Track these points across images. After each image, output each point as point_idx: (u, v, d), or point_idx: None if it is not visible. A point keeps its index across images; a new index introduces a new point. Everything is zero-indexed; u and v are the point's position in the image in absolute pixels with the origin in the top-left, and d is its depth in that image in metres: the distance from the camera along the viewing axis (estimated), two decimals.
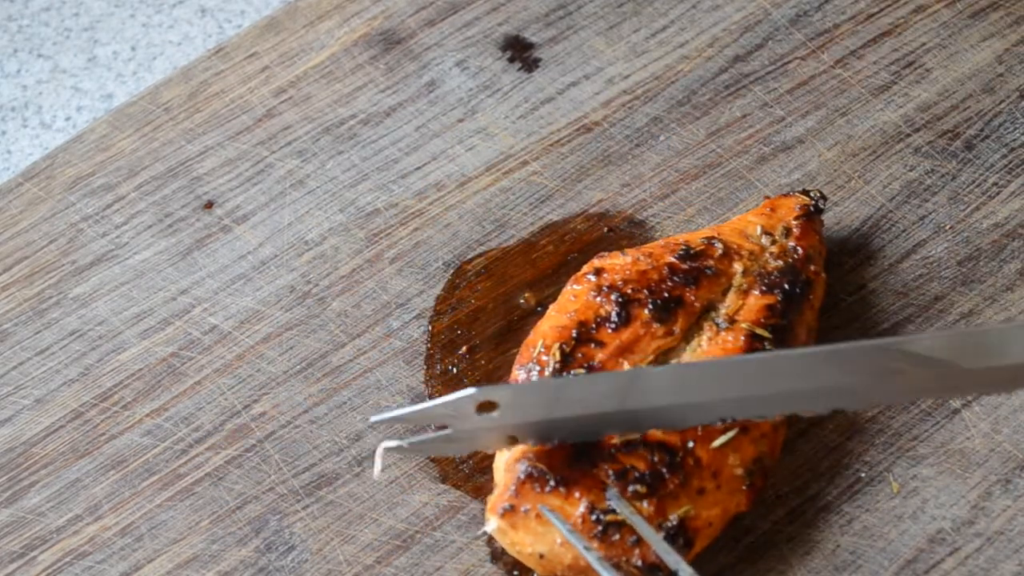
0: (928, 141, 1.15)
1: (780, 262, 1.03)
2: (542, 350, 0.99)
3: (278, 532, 1.00)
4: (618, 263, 1.02)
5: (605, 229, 1.12)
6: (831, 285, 1.08)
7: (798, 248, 1.03)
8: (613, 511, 0.92)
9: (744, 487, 0.95)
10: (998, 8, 1.21)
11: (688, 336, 0.99)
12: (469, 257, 1.12)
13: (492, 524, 0.93)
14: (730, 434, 0.95)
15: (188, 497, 1.02)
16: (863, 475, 1.00)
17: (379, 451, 0.92)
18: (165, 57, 1.36)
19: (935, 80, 1.18)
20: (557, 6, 1.24)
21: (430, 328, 1.08)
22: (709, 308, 1.01)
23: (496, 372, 1.05)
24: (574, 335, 0.98)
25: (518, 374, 0.99)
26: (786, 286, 1.01)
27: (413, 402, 1.05)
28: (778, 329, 0.99)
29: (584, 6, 1.24)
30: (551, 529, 0.92)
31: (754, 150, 1.15)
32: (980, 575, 0.96)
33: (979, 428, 1.01)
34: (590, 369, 0.97)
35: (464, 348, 1.07)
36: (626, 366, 0.97)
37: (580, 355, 0.98)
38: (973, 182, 1.13)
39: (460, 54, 1.22)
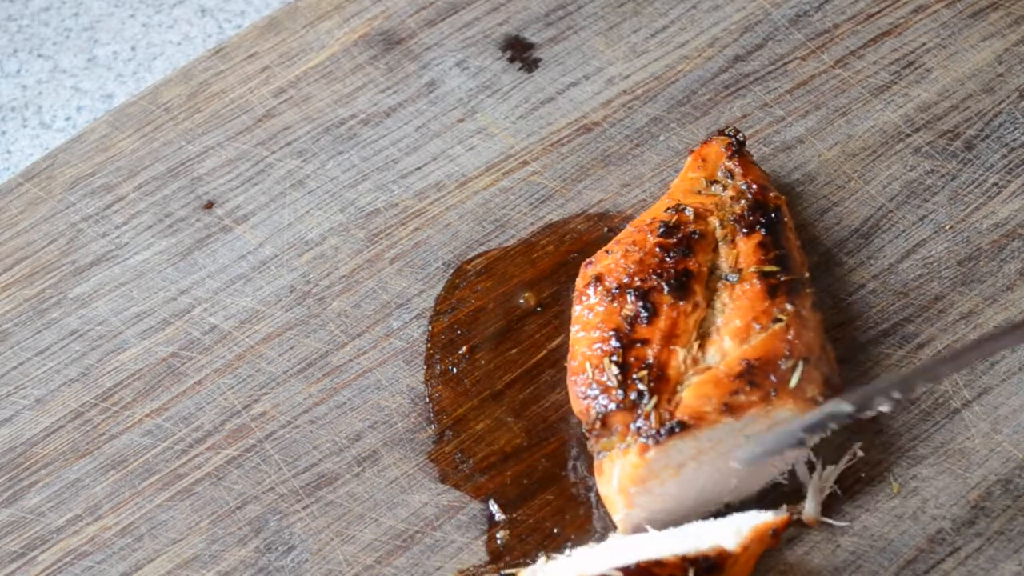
0: (928, 141, 1.15)
1: (743, 201, 1.04)
2: (595, 371, 0.97)
3: (278, 532, 1.00)
4: (611, 262, 1.02)
5: (605, 229, 1.12)
6: (831, 285, 1.08)
7: (751, 183, 1.05)
8: None
9: None
10: (998, 8, 1.21)
11: (710, 301, 1.00)
12: (469, 257, 1.12)
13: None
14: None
15: (188, 497, 1.02)
16: (863, 475, 1.00)
17: None
18: (165, 57, 1.36)
19: (935, 80, 1.18)
20: (557, 6, 1.24)
21: (430, 328, 1.08)
22: (712, 269, 1.01)
23: (496, 372, 1.05)
24: (616, 344, 0.98)
25: (591, 406, 0.96)
26: (763, 219, 1.02)
27: (412, 402, 1.05)
28: (780, 259, 1.01)
29: (584, 6, 1.24)
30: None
31: (754, 150, 1.15)
32: (980, 575, 0.96)
33: (979, 428, 1.01)
34: (648, 368, 0.96)
35: (464, 348, 1.07)
36: (680, 352, 0.97)
37: (633, 359, 0.97)
38: (973, 182, 1.13)
39: (460, 54, 1.22)
